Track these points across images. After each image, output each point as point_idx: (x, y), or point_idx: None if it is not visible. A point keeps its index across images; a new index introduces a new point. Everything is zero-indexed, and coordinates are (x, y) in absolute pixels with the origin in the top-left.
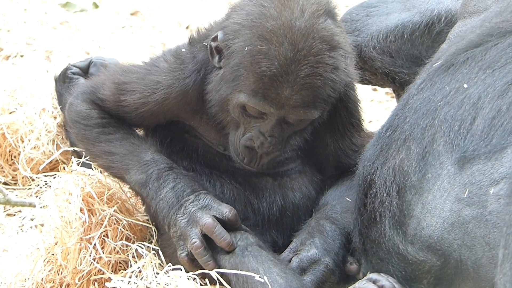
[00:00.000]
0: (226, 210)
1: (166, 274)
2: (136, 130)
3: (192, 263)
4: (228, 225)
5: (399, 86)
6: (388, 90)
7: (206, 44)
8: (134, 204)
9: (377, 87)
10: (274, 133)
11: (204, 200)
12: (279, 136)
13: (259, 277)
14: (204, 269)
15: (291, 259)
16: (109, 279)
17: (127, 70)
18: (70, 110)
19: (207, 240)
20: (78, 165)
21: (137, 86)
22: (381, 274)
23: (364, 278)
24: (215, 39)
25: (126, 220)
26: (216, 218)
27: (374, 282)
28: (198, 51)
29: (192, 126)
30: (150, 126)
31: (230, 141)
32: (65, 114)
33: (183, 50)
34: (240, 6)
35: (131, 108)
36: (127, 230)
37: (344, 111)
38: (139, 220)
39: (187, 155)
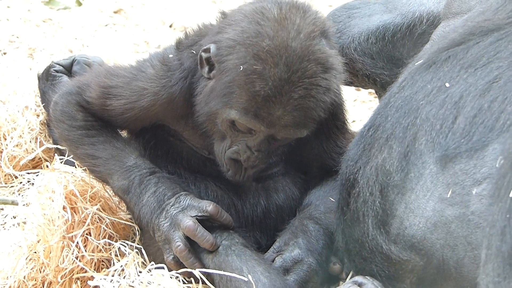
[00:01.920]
0: (205, 206)
1: (149, 272)
2: (120, 132)
3: (179, 265)
4: (211, 220)
5: (380, 87)
6: (371, 90)
7: (194, 51)
8: (117, 202)
9: (360, 87)
10: (261, 148)
11: (185, 201)
12: (265, 150)
13: (243, 276)
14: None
15: (275, 259)
16: (92, 278)
17: (114, 74)
18: (55, 109)
19: (191, 241)
20: (61, 163)
21: (123, 91)
22: (367, 277)
23: (349, 281)
24: (207, 50)
25: (109, 219)
26: (198, 218)
27: (360, 285)
28: (186, 58)
29: (176, 130)
30: (135, 129)
31: (216, 151)
32: (49, 112)
33: (170, 56)
34: (235, 21)
35: (116, 113)
36: (110, 229)
37: (330, 116)
38: (122, 219)
39: (172, 158)
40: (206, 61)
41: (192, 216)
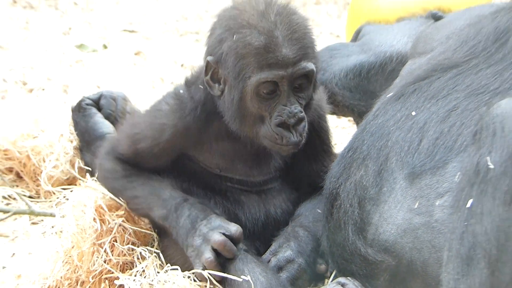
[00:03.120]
0: (233, 229)
1: (165, 273)
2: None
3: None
4: (232, 240)
5: (357, 116)
6: (350, 118)
7: (201, 86)
8: None
9: (341, 116)
10: (292, 101)
11: (215, 222)
12: (297, 102)
13: (244, 276)
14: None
15: (271, 259)
16: (118, 278)
17: (136, 122)
18: (100, 170)
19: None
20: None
21: (147, 132)
22: (348, 278)
23: (334, 281)
24: (207, 69)
25: (131, 228)
26: (224, 235)
27: (343, 285)
28: (194, 92)
29: (194, 155)
30: (165, 164)
31: (264, 135)
32: (96, 171)
33: (181, 91)
34: (214, 31)
35: (146, 152)
36: (132, 237)
37: (318, 139)
38: (143, 228)
39: (188, 178)
40: (212, 81)
41: (221, 233)
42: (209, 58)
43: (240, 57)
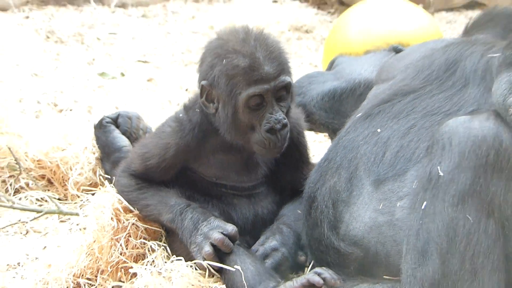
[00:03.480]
0: (230, 228)
1: (172, 263)
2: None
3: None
4: (229, 237)
5: (332, 132)
6: (326, 134)
7: (197, 110)
8: None
9: (318, 132)
10: (277, 110)
11: (214, 222)
12: (280, 111)
13: (236, 266)
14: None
15: (258, 248)
16: (132, 267)
17: (144, 144)
18: (118, 185)
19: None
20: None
21: (154, 151)
22: (323, 268)
23: (311, 271)
24: (202, 92)
25: (143, 226)
26: (222, 233)
27: (319, 274)
28: (192, 115)
29: (193, 167)
30: (170, 177)
31: (255, 141)
32: (115, 186)
33: (181, 115)
34: (205, 59)
35: (155, 168)
36: (144, 233)
37: (297, 152)
38: (153, 226)
39: (189, 186)
40: (207, 101)
41: (219, 232)
42: (203, 82)
43: (230, 78)
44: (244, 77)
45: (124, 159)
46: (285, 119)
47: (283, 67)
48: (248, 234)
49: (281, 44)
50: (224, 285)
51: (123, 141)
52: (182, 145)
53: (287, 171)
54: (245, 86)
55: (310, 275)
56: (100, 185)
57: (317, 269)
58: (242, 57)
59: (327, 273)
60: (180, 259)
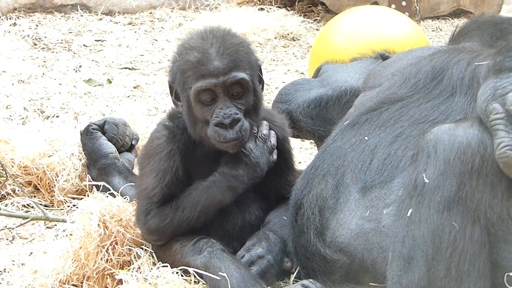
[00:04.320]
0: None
1: (157, 269)
2: None
3: None
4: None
5: (318, 139)
6: (312, 141)
7: (180, 115)
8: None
9: (304, 139)
10: (228, 105)
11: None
12: (233, 107)
13: (221, 273)
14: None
15: (244, 255)
16: (118, 273)
17: (149, 170)
18: (150, 229)
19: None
20: (97, 193)
21: (162, 166)
22: (311, 280)
23: (298, 283)
24: (170, 90)
25: (129, 234)
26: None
27: (306, 287)
28: (177, 122)
29: (188, 170)
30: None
31: (209, 135)
32: (143, 235)
33: (167, 123)
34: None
35: (175, 181)
36: (130, 241)
37: (283, 160)
38: (139, 233)
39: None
40: (176, 98)
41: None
42: (168, 79)
43: (183, 72)
44: (193, 71)
45: (137, 208)
46: (237, 114)
47: (236, 64)
48: (236, 239)
49: (245, 44)
50: None
51: (109, 147)
52: (181, 148)
53: (272, 177)
54: (194, 80)
55: (296, 287)
56: (88, 191)
57: (304, 282)
58: (196, 52)
59: (314, 286)
60: (166, 266)
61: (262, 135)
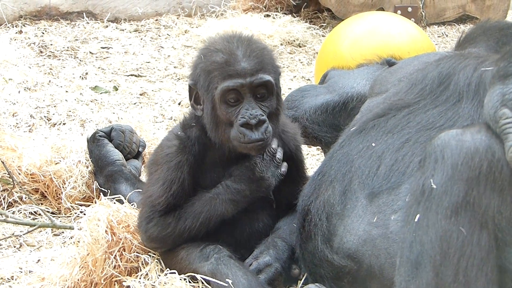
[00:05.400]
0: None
1: (165, 276)
2: None
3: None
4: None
5: (325, 145)
6: (319, 147)
7: (193, 124)
8: None
9: (311, 146)
10: (254, 107)
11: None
12: (259, 108)
13: (228, 279)
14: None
15: (252, 262)
16: (125, 280)
17: (156, 179)
18: (150, 236)
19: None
20: (105, 199)
21: (170, 176)
22: (317, 284)
23: (305, 287)
24: (190, 94)
25: (136, 240)
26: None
27: None
28: (189, 132)
29: (198, 182)
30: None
31: (232, 137)
32: (143, 240)
33: (179, 133)
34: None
35: (181, 192)
36: (137, 247)
37: (295, 168)
38: None
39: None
40: (195, 102)
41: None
42: (189, 82)
43: (208, 73)
44: (220, 71)
45: (140, 214)
46: (262, 115)
47: (263, 66)
48: (244, 246)
49: (269, 49)
50: None
51: (116, 154)
52: (188, 161)
53: (284, 185)
54: (220, 80)
55: None
56: (96, 198)
57: (311, 286)
58: (222, 53)
59: None
60: (174, 272)
61: (271, 149)
